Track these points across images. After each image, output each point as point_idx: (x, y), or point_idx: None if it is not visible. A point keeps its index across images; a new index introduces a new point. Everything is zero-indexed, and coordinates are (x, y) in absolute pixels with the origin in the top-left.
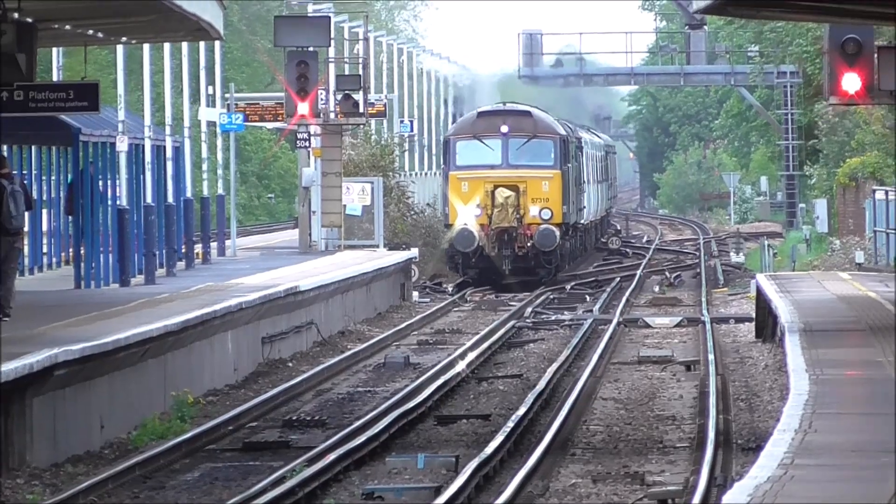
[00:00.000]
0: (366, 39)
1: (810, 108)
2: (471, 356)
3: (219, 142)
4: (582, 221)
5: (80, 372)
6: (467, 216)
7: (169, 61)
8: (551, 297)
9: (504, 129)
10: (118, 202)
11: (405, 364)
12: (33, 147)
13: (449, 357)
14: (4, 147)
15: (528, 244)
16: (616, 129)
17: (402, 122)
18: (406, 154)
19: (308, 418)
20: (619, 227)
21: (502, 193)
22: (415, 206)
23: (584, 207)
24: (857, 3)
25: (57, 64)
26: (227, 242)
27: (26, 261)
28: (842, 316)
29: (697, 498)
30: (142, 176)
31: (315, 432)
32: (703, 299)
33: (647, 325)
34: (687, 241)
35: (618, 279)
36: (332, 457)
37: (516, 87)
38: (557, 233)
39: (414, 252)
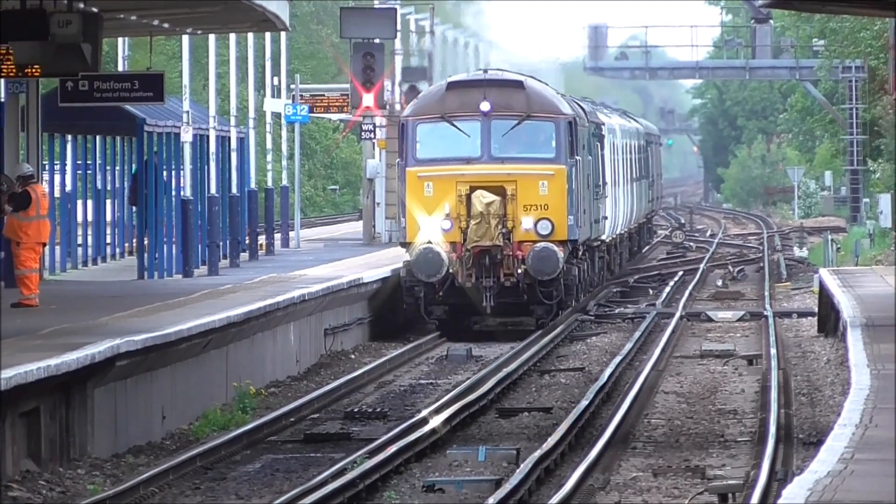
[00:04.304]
0: (431, 32)
1: (875, 104)
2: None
3: (283, 133)
4: (602, 237)
5: (143, 363)
6: (432, 231)
7: (234, 52)
8: (614, 290)
9: (485, 106)
10: (182, 193)
11: (467, 357)
12: (98, 137)
13: (512, 350)
14: (69, 137)
15: (519, 270)
16: (680, 122)
17: None
18: None
19: (370, 410)
20: (682, 221)
21: (482, 198)
22: None
23: (606, 217)
24: None
25: (122, 54)
26: (291, 234)
27: (89, 251)
28: None
29: (758, 492)
30: (206, 166)
31: (376, 424)
32: (766, 293)
33: (710, 319)
34: (750, 235)
35: (681, 273)
36: (392, 449)
37: (581, 77)
38: (560, 254)
39: None
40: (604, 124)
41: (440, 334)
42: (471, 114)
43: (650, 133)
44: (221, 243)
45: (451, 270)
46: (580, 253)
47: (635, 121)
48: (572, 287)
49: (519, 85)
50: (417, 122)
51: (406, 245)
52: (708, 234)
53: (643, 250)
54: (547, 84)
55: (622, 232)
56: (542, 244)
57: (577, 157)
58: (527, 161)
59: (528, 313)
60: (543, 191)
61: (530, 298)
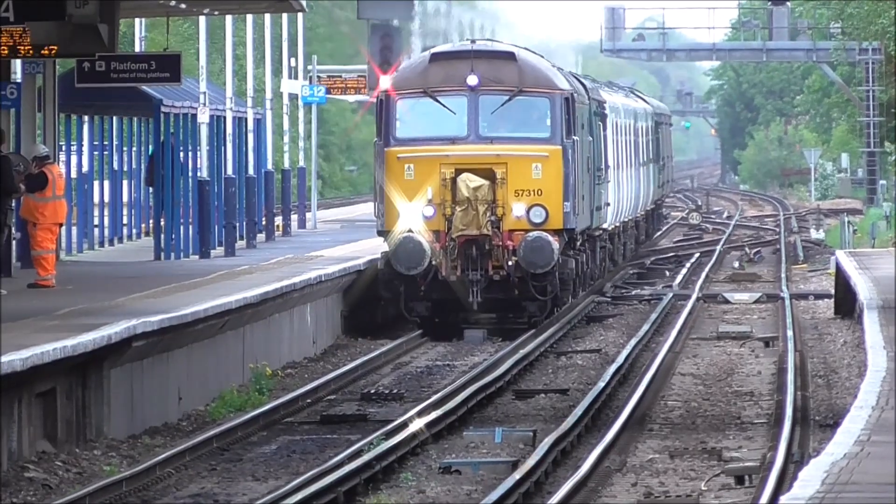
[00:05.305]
0: (448, 15)
1: (891, 85)
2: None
3: (300, 114)
4: (604, 226)
5: (159, 343)
6: (413, 218)
7: (251, 33)
8: (631, 272)
9: (472, 80)
10: (199, 174)
11: (484, 338)
12: (114, 118)
13: (527, 334)
14: (86, 117)
15: (510, 263)
16: (698, 104)
17: None
18: None
19: (386, 391)
20: (699, 203)
21: (469, 182)
22: None
23: (608, 204)
24: None
25: (139, 35)
26: (308, 215)
27: (106, 232)
28: None
29: (774, 474)
30: (223, 147)
31: (393, 405)
32: (783, 275)
33: (727, 301)
34: (767, 217)
35: (697, 255)
36: (409, 430)
37: (599, 58)
38: (555, 244)
39: None
40: (606, 102)
41: (422, 333)
42: (456, 88)
43: (660, 113)
44: (238, 224)
45: (433, 262)
46: (578, 243)
47: (643, 100)
48: (569, 281)
49: (510, 56)
50: (397, 98)
51: (384, 234)
52: (725, 215)
53: (653, 237)
54: (542, 56)
55: (627, 220)
56: (535, 233)
57: (575, 137)
58: (518, 141)
59: (520, 310)
60: (537, 174)
61: (522, 294)
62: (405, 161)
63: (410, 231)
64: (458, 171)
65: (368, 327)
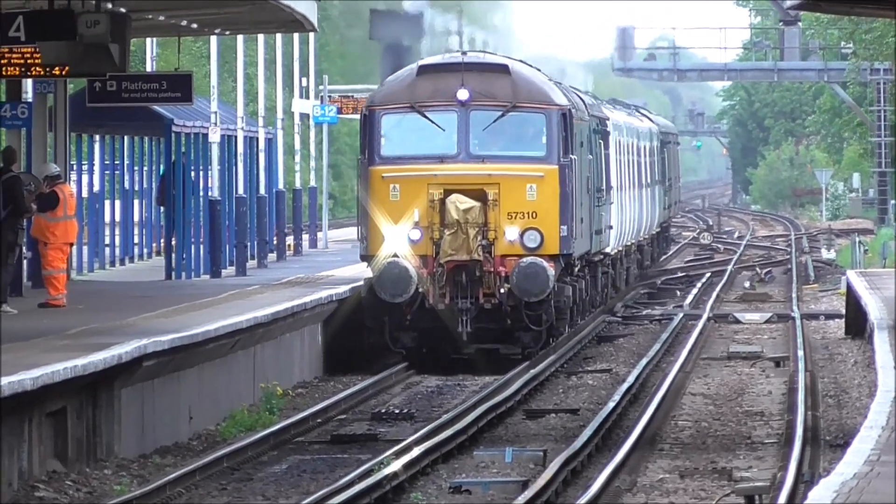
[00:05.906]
0: (459, 33)
1: None
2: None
3: (312, 133)
4: (605, 250)
5: (169, 363)
6: (398, 242)
7: (263, 53)
8: (641, 291)
9: (462, 94)
10: (210, 193)
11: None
12: (125, 137)
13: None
14: (97, 137)
15: (502, 290)
16: (709, 124)
17: None
18: None
19: (397, 411)
20: (710, 223)
21: (458, 204)
22: None
23: (610, 227)
24: None
25: (151, 55)
26: (319, 234)
27: (117, 251)
28: None
29: (784, 494)
30: (234, 167)
31: (403, 425)
32: (794, 295)
33: (737, 321)
34: (778, 237)
35: (708, 274)
36: (419, 450)
37: (611, 78)
38: (551, 271)
39: None
40: (608, 119)
41: (408, 366)
42: (446, 103)
43: (667, 132)
44: (249, 244)
45: (420, 290)
46: (576, 269)
47: (648, 118)
48: (565, 310)
49: (503, 69)
50: (383, 113)
51: (368, 259)
52: (736, 235)
53: (658, 262)
54: (539, 69)
55: (631, 244)
56: (530, 259)
57: (573, 156)
58: (512, 160)
59: (513, 341)
60: (531, 195)
61: (515, 323)
62: (390, 181)
63: (396, 256)
64: (447, 192)
65: (352, 359)
